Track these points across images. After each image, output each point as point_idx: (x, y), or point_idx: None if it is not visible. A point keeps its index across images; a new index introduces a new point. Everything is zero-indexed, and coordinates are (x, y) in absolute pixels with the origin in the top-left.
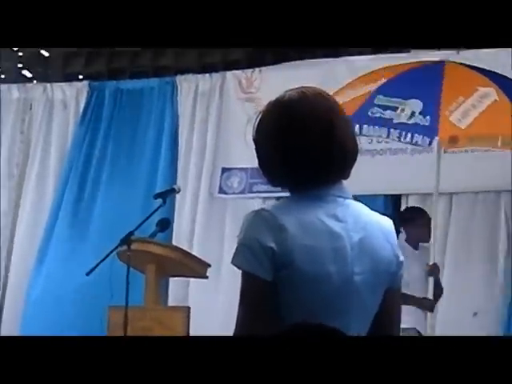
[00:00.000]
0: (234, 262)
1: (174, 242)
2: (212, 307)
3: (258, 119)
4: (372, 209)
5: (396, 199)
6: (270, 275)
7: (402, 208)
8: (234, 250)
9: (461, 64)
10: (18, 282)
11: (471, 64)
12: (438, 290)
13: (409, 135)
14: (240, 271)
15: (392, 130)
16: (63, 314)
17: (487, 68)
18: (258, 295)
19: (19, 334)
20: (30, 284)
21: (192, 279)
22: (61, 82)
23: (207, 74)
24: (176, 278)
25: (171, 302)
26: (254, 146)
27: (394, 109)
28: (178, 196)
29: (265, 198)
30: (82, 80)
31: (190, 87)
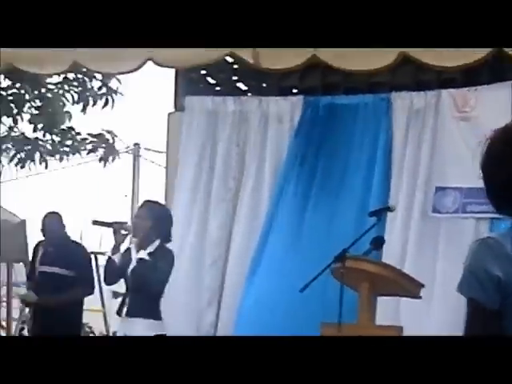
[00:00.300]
0: (459, 290)
1: (384, 261)
2: (423, 327)
3: (486, 146)
4: None
5: None
6: (495, 304)
7: None
8: (447, 271)
9: None
10: (232, 292)
11: None
12: None
13: None
14: (465, 298)
15: None
16: (275, 325)
17: None
18: (482, 324)
19: None
20: (243, 294)
21: (403, 298)
22: (275, 95)
23: (422, 92)
24: (386, 298)
25: (380, 321)
26: (470, 167)
27: None
28: (388, 214)
29: (478, 219)
30: (296, 94)
31: (404, 104)
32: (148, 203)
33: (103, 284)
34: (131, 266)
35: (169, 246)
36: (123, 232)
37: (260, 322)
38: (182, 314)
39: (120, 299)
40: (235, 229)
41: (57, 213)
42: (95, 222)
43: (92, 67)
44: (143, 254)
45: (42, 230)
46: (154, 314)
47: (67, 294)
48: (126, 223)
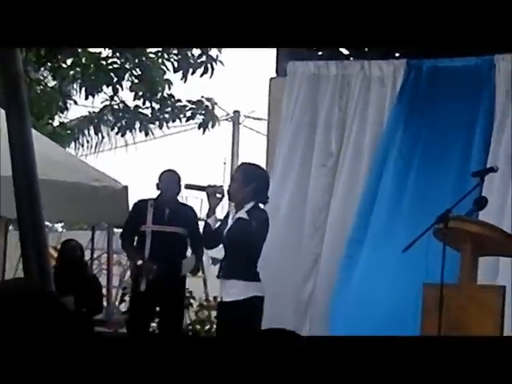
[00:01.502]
0: None
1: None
2: None
3: None
4: None
5: None
6: None
7: None
8: None
9: None
10: (332, 259)
11: None
12: None
13: None
14: None
15: None
16: (379, 289)
17: None
18: None
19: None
20: (345, 257)
21: (502, 258)
22: (378, 59)
23: None
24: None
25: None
26: None
27: None
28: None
29: None
30: (399, 58)
31: (507, 67)
32: (243, 165)
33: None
34: (227, 228)
35: (268, 210)
36: (218, 195)
37: (364, 287)
38: (282, 280)
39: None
40: (335, 194)
41: (175, 172)
42: (188, 186)
43: None
44: (240, 214)
45: (158, 186)
46: (252, 275)
47: (186, 258)
48: (221, 186)
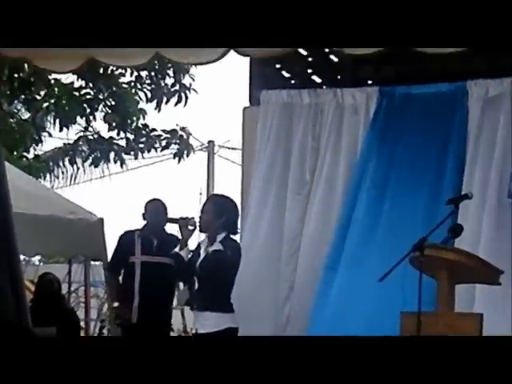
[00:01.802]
0: None
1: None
2: (500, 315)
3: None
4: None
5: None
6: None
7: None
8: None
9: None
10: (306, 286)
11: None
12: None
13: None
14: None
15: None
16: (354, 317)
17: None
18: None
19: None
20: (320, 286)
21: (478, 285)
22: (351, 87)
23: (498, 79)
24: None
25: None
26: None
27: None
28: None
29: None
30: (372, 85)
31: (480, 92)
32: (214, 197)
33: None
34: (200, 259)
35: (246, 239)
36: (190, 227)
37: (339, 313)
38: (258, 307)
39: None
40: (308, 222)
41: (161, 201)
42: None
43: (174, 58)
44: (216, 246)
45: (144, 216)
46: (226, 306)
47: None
48: (193, 218)
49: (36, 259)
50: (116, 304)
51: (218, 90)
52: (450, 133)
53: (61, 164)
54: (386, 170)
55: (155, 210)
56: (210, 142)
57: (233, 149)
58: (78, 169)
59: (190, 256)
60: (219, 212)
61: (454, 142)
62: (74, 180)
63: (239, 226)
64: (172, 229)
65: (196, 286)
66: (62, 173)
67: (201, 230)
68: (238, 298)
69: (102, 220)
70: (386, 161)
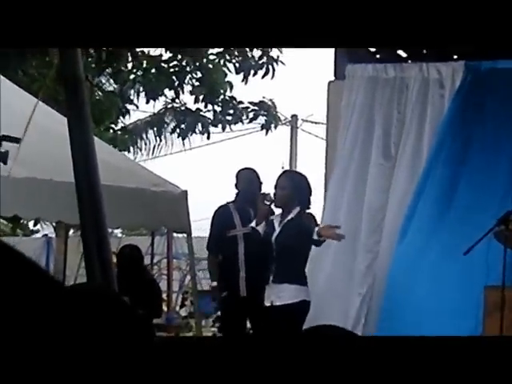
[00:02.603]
0: None
1: None
2: None
3: None
4: None
5: None
6: None
7: None
8: None
9: None
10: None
11: None
12: None
13: None
14: None
15: None
16: (434, 291)
17: None
18: None
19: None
20: (394, 259)
21: None
22: (436, 61)
23: None
24: None
25: None
26: None
27: None
28: None
29: None
30: (457, 60)
31: None
32: (287, 172)
33: None
34: (275, 233)
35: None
36: (266, 202)
37: (413, 288)
38: (340, 276)
39: None
40: (393, 194)
41: (253, 169)
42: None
43: None
44: (291, 216)
45: (237, 186)
46: (302, 279)
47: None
48: (269, 194)
49: (118, 231)
50: (214, 284)
51: (303, 64)
52: None
53: (144, 136)
54: (465, 145)
55: (248, 178)
56: (293, 116)
57: (316, 123)
58: (160, 141)
59: (264, 231)
60: (295, 187)
61: None
62: (158, 152)
63: (322, 199)
64: None
65: (272, 258)
66: (145, 144)
67: (276, 205)
68: (319, 270)
69: (185, 192)
70: (466, 136)
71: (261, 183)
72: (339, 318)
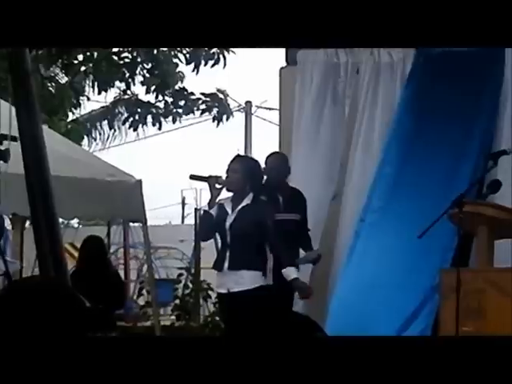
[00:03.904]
0: None
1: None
2: None
3: None
4: None
5: None
6: None
7: None
8: None
9: None
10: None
11: None
12: None
13: None
14: None
15: None
16: (390, 273)
17: None
18: None
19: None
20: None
21: None
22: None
23: None
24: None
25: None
26: None
27: None
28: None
29: None
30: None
31: None
32: (239, 157)
33: None
34: (231, 219)
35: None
36: (218, 186)
37: (371, 268)
38: None
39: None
40: (347, 185)
41: (281, 153)
42: (192, 177)
43: None
44: (246, 202)
45: (265, 171)
46: (257, 265)
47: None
48: (221, 177)
49: (75, 222)
50: (295, 276)
51: (254, 51)
52: (484, 89)
53: (98, 126)
54: (420, 126)
55: (277, 163)
56: (247, 102)
57: (270, 109)
58: (114, 131)
59: (216, 215)
60: (247, 172)
61: (488, 98)
62: (111, 142)
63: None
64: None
65: (226, 244)
66: (100, 134)
67: (228, 189)
68: None
69: (140, 182)
70: (417, 119)
71: (289, 167)
72: None
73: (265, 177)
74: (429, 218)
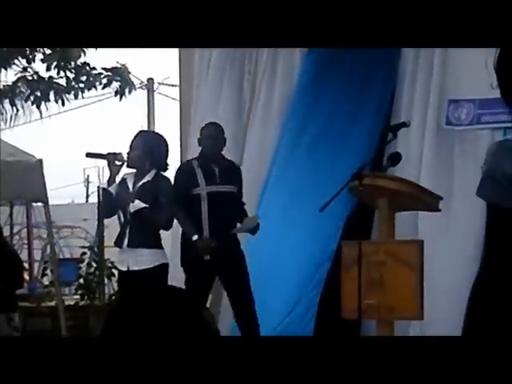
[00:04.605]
0: (478, 194)
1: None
2: (442, 239)
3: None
4: None
5: None
6: None
7: None
8: (464, 182)
9: None
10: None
11: None
12: None
13: None
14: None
15: None
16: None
17: None
18: (503, 226)
19: None
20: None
21: (421, 213)
22: None
23: None
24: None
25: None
26: (483, 78)
27: None
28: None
29: (493, 129)
30: None
31: None
32: (141, 133)
33: None
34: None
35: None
36: (117, 163)
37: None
38: None
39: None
40: (247, 153)
41: (217, 123)
42: (89, 154)
43: None
44: (146, 179)
45: (200, 142)
46: (157, 242)
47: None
48: (120, 154)
49: None
50: (195, 237)
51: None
52: (384, 62)
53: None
54: (320, 105)
55: (211, 134)
56: (149, 79)
57: (172, 85)
58: (17, 110)
59: (116, 192)
60: (148, 148)
61: (384, 66)
62: (14, 122)
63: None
64: (92, 165)
65: (126, 221)
66: (1, 114)
67: (128, 166)
68: None
69: (41, 161)
70: (316, 89)
71: (225, 139)
72: None
73: (200, 147)
74: (324, 185)
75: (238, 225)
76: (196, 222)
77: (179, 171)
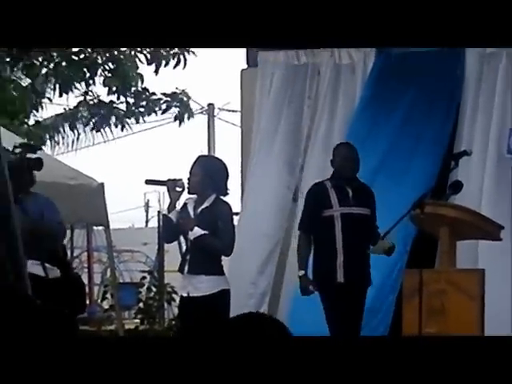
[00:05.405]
0: None
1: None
2: (504, 269)
3: None
4: None
5: None
6: None
7: None
8: None
9: None
10: None
11: None
12: None
13: None
14: None
15: None
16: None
17: None
18: None
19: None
20: None
21: (481, 241)
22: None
23: None
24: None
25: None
26: None
27: None
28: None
29: None
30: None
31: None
32: (201, 158)
33: None
34: None
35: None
36: (178, 189)
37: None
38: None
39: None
40: (304, 181)
41: (350, 143)
42: (148, 182)
43: None
44: (206, 205)
45: (333, 163)
46: (217, 268)
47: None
48: (180, 180)
49: None
50: (301, 272)
51: (215, 52)
52: (446, 90)
53: (61, 130)
54: (383, 128)
55: (346, 154)
56: (209, 104)
57: (233, 111)
58: (78, 134)
59: (177, 218)
60: (208, 173)
61: (450, 98)
62: (75, 146)
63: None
64: (152, 190)
65: (187, 248)
66: (63, 138)
67: (189, 192)
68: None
69: (102, 185)
70: (382, 119)
71: (358, 159)
72: None
73: (335, 168)
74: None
75: (371, 247)
76: (327, 244)
77: (310, 192)
